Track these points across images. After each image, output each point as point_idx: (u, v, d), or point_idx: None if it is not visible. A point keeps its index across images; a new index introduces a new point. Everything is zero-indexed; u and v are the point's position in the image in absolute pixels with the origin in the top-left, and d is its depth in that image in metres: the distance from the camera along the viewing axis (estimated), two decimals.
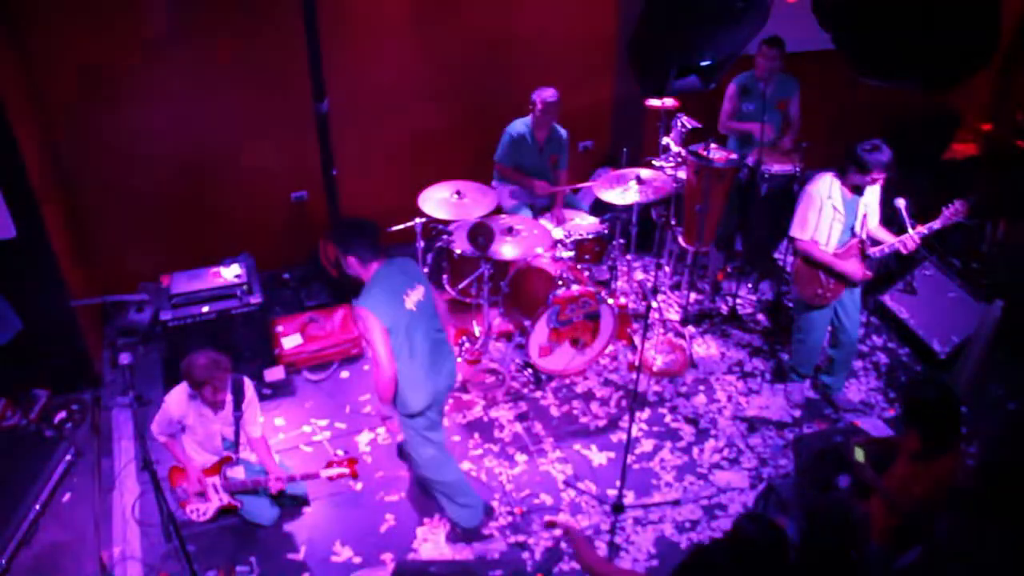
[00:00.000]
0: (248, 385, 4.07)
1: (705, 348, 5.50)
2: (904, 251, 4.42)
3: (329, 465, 4.02)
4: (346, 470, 4.00)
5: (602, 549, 4.12)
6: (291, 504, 4.26)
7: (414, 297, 3.70)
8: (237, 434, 4.03)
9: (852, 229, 4.49)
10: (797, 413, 4.99)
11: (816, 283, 4.59)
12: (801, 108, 5.84)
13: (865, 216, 4.48)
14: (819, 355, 4.98)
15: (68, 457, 4.43)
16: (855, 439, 3.59)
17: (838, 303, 4.68)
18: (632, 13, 4.03)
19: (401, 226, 5.20)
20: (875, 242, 4.54)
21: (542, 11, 5.98)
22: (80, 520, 4.15)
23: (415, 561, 4.01)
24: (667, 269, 6.08)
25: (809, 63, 5.82)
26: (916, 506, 3.35)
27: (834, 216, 4.42)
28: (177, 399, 3.92)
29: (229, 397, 3.98)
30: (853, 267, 4.51)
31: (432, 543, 4.13)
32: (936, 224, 4.28)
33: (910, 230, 4.35)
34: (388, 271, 3.67)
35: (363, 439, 4.76)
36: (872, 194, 4.48)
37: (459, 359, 5.32)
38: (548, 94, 5.32)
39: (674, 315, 5.75)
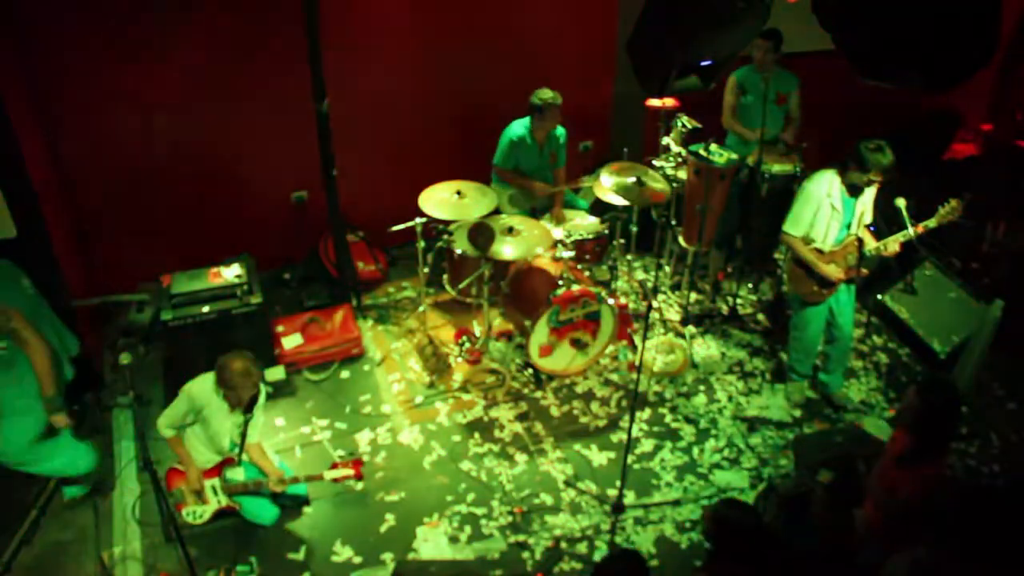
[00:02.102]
0: (261, 390, 4.06)
1: (705, 348, 5.51)
2: (886, 253, 4.48)
3: (334, 467, 4.02)
4: (351, 471, 4.00)
5: (602, 549, 4.12)
6: (292, 504, 4.26)
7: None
8: (243, 436, 4.03)
9: (849, 227, 4.50)
10: (797, 413, 4.99)
11: (811, 280, 4.60)
12: (801, 107, 5.82)
13: (862, 214, 4.49)
14: (816, 352, 4.98)
15: None
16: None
17: (833, 299, 4.69)
18: (632, 13, 4.03)
19: (401, 226, 5.20)
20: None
21: (542, 10, 5.98)
22: (80, 520, 4.15)
23: (415, 561, 4.02)
24: (667, 269, 6.08)
25: (809, 63, 5.82)
26: (901, 508, 3.35)
27: (832, 214, 4.43)
28: (202, 387, 3.90)
29: None
30: (833, 271, 4.52)
31: (432, 543, 4.13)
32: (932, 223, 4.29)
33: (910, 230, 4.36)
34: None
35: (363, 439, 4.77)
36: (869, 194, 4.49)
37: (460, 359, 5.33)
38: (550, 96, 5.30)
39: (674, 315, 5.75)
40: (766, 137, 5.34)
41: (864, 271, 4.59)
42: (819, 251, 4.54)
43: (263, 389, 4.06)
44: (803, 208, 4.49)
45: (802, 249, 4.54)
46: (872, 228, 4.62)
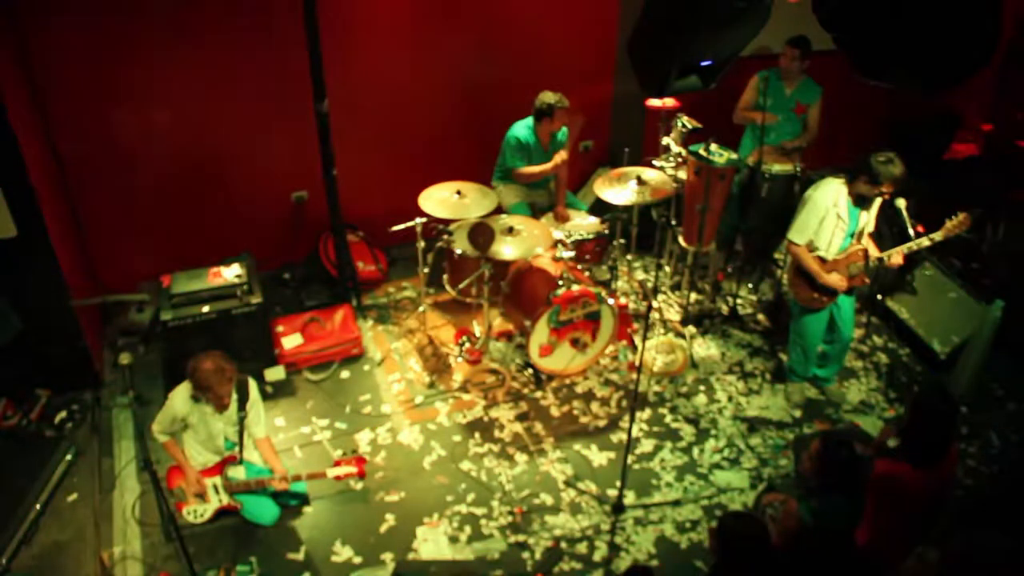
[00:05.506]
0: (252, 386, 4.07)
1: (705, 348, 5.51)
2: (889, 264, 4.45)
3: (336, 464, 4.02)
4: (353, 469, 4.00)
5: (602, 549, 4.12)
6: (292, 503, 4.26)
7: None
8: (240, 434, 4.03)
9: (853, 236, 4.50)
10: (797, 413, 5.00)
11: (813, 287, 4.60)
12: (821, 119, 5.70)
13: (867, 224, 4.49)
14: (816, 355, 4.98)
15: (68, 457, 4.43)
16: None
17: (833, 304, 4.69)
18: (632, 13, 4.03)
19: (401, 226, 5.20)
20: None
21: (542, 10, 5.98)
22: (80, 520, 4.15)
23: (415, 561, 4.02)
24: (667, 269, 6.08)
25: (809, 63, 5.81)
26: (914, 511, 3.35)
27: (837, 224, 4.42)
28: (182, 397, 3.92)
29: (233, 396, 3.98)
30: (836, 280, 4.51)
31: (432, 543, 4.13)
32: (938, 236, 4.26)
33: (910, 231, 4.36)
34: None
35: (363, 439, 4.77)
36: (875, 204, 4.48)
37: (460, 359, 5.33)
38: (555, 99, 5.26)
39: (674, 315, 5.75)
40: (773, 142, 5.27)
41: (867, 280, 4.59)
42: (822, 260, 4.53)
43: (252, 382, 4.06)
44: (809, 217, 4.46)
45: (806, 259, 4.51)
46: (872, 235, 4.62)
